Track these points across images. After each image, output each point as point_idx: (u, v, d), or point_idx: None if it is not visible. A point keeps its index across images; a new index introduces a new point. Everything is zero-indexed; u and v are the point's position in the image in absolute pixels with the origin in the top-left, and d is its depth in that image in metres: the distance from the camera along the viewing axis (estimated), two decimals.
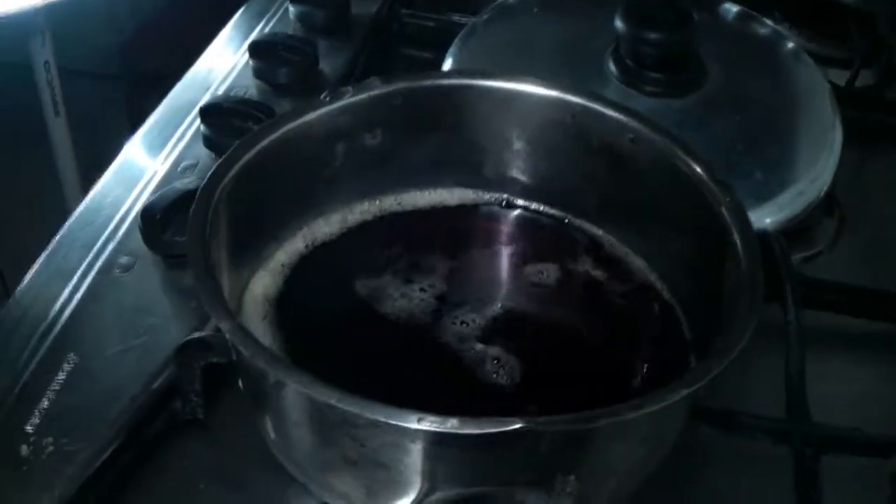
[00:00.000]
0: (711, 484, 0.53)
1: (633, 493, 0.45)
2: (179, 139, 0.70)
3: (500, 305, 0.54)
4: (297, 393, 0.39)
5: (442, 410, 0.45)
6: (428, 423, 0.37)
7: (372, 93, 0.52)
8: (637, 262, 0.54)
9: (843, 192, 0.71)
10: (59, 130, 1.17)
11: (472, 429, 0.37)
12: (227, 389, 0.53)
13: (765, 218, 0.62)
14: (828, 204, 0.69)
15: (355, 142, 0.53)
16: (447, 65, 0.67)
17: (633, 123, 0.51)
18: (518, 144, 0.55)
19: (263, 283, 0.51)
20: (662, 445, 0.43)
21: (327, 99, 0.51)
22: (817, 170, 0.65)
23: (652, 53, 0.65)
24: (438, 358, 0.51)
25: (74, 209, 0.66)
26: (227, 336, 0.40)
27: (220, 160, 0.48)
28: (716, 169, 0.48)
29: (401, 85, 0.52)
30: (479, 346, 0.51)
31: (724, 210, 0.47)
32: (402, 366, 0.51)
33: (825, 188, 0.65)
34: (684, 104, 0.66)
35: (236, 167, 0.48)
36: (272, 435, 0.45)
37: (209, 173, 0.47)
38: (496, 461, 0.40)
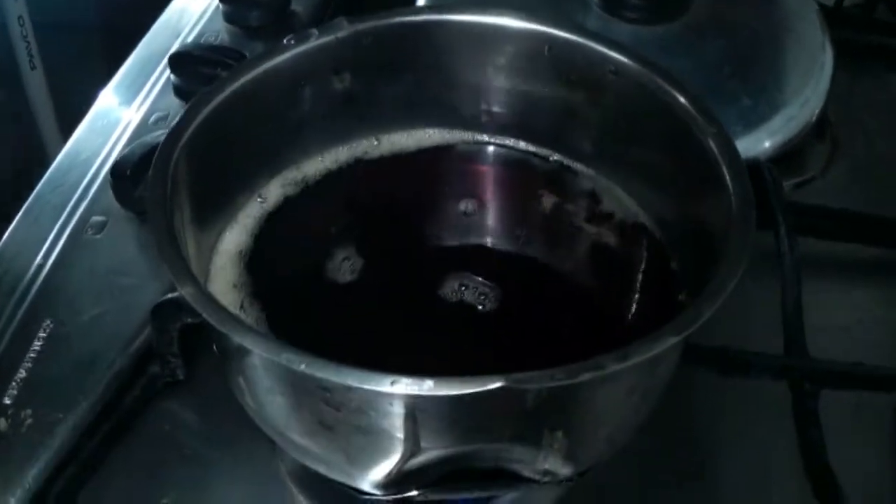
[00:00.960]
0: (707, 424, 0.52)
1: (626, 441, 0.44)
2: (150, 89, 0.68)
3: (483, 245, 0.52)
4: (265, 359, 0.38)
5: (429, 358, 0.45)
6: (402, 386, 0.35)
7: (339, 34, 0.49)
8: (623, 197, 0.51)
9: (834, 115, 0.69)
10: (35, 84, 1.14)
11: (449, 390, 0.35)
12: (205, 347, 0.51)
13: (755, 144, 0.60)
14: (819, 128, 0.67)
15: (324, 86, 0.50)
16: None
17: (613, 55, 0.48)
18: (495, 80, 0.52)
19: (234, 239, 0.49)
20: (653, 393, 0.42)
21: (292, 42, 0.49)
22: (807, 93, 0.63)
23: None
24: (422, 305, 0.49)
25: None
26: (191, 303, 0.38)
27: (180, 115, 0.45)
28: (701, 99, 0.46)
29: (369, 24, 0.50)
30: (465, 291, 0.49)
31: (711, 142, 0.45)
32: (385, 314, 0.49)
33: (816, 112, 0.63)
34: (668, 30, 0.64)
35: (197, 120, 0.45)
36: (247, 400, 0.43)
37: (168, 129, 0.45)
38: (479, 419, 0.38)
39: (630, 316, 0.48)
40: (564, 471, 0.42)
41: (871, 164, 0.69)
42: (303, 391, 0.38)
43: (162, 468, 0.51)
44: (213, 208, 0.48)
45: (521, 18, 0.50)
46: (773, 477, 0.50)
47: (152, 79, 0.69)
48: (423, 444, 0.39)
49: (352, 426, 0.39)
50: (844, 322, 0.59)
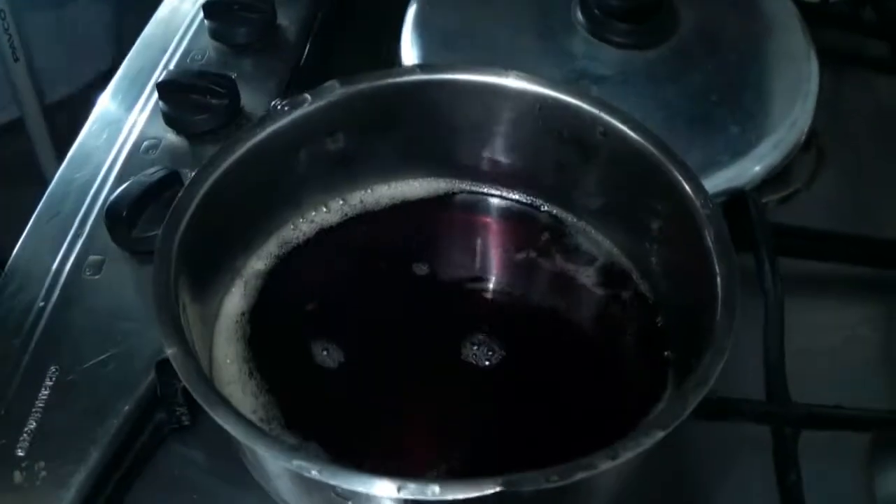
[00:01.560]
0: (690, 466, 0.54)
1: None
2: (139, 113, 0.68)
3: (478, 293, 0.53)
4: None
5: (429, 420, 0.48)
6: (408, 492, 0.37)
7: (331, 98, 0.50)
8: (613, 251, 0.53)
9: (819, 123, 0.69)
10: (20, 77, 1.14)
11: (453, 494, 0.37)
12: None
13: (744, 172, 0.61)
14: (805, 139, 0.67)
15: (318, 149, 0.51)
16: (406, 43, 0.65)
17: (603, 117, 0.49)
18: (487, 136, 0.53)
19: (235, 300, 0.51)
20: (638, 467, 0.44)
21: (286, 108, 0.49)
22: (795, 113, 0.64)
23: (620, 3, 0.63)
24: (422, 355, 0.51)
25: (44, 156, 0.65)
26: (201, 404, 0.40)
27: (183, 190, 0.46)
28: (690, 168, 0.47)
29: (361, 86, 0.51)
30: (464, 339, 0.51)
31: (699, 214, 0.46)
32: (384, 364, 0.51)
33: (805, 131, 0.64)
34: (655, 55, 0.64)
35: (198, 196, 0.46)
36: (253, 473, 0.45)
37: (170, 210, 0.45)
38: None
39: (620, 370, 0.51)
40: None
41: (858, 172, 0.70)
42: (313, 486, 0.40)
43: None
44: (212, 276, 0.50)
45: (512, 78, 0.51)
46: None
47: (140, 102, 0.68)
48: None
49: None
50: (830, 343, 0.60)
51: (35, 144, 1.16)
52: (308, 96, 0.50)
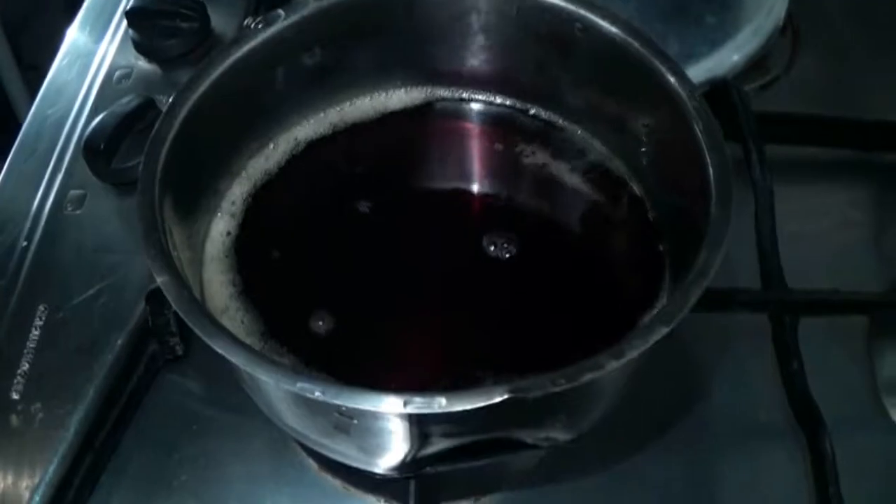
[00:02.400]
0: (691, 362, 0.54)
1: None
2: (109, 43, 0.67)
3: (471, 198, 0.53)
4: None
5: (421, 320, 0.48)
6: (415, 406, 0.37)
7: (305, 13, 0.49)
8: (600, 149, 0.52)
9: (793, 4, 0.68)
10: None
11: (460, 405, 0.37)
12: None
13: (724, 62, 0.60)
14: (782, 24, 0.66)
15: (295, 64, 0.50)
16: None
17: (581, 13, 0.48)
18: (465, 41, 0.52)
19: (222, 223, 0.50)
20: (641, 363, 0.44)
21: (260, 27, 0.48)
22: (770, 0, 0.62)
23: None
24: (413, 264, 0.51)
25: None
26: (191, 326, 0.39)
27: (161, 116, 0.45)
28: (672, 59, 0.46)
29: None
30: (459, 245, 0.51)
31: (687, 106, 0.45)
32: (377, 278, 0.50)
33: (782, 16, 0.63)
34: None
35: (178, 119, 0.45)
36: (256, 399, 0.44)
37: (150, 137, 0.44)
38: (485, 419, 0.40)
39: (616, 265, 0.50)
40: (565, 437, 0.44)
41: (836, 53, 0.69)
42: (317, 408, 0.40)
43: (176, 443, 0.52)
44: (197, 200, 0.49)
45: None
46: (759, 405, 0.53)
47: (109, 32, 0.67)
48: (432, 440, 0.41)
49: (366, 430, 0.40)
50: (820, 227, 0.61)
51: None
52: (281, 12, 0.49)
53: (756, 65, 0.65)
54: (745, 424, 0.53)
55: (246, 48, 0.48)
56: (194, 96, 0.46)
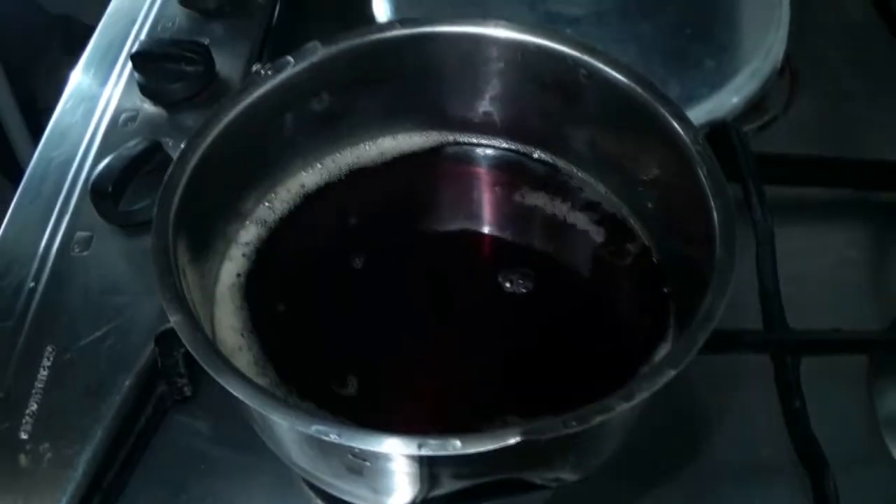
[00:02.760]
0: (694, 402, 0.55)
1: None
2: (114, 86, 0.67)
3: (476, 241, 0.54)
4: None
5: (433, 365, 0.48)
6: (430, 449, 0.37)
7: (314, 59, 0.50)
8: (604, 191, 0.53)
9: (792, 46, 0.69)
10: None
11: (474, 448, 0.37)
12: None
13: (723, 104, 0.61)
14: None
15: (303, 110, 0.51)
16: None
17: (585, 59, 0.49)
18: (471, 87, 0.53)
19: (232, 266, 0.51)
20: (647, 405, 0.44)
21: (269, 73, 0.49)
22: (769, 40, 0.64)
23: None
24: (417, 307, 0.51)
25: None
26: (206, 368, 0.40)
27: (173, 162, 0.46)
28: (674, 103, 0.47)
29: (343, 45, 0.50)
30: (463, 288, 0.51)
31: (690, 149, 0.46)
32: (385, 323, 0.51)
33: (780, 58, 0.64)
34: None
35: (189, 167, 0.46)
36: (265, 439, 0.45)
37: (164, 181, 0.45)
38: (497, 460, 0.40)
39: (621, 307, 0.51)
40: (573, 477, 0.45)
41: (834, 93, 0.71)
42: (330, 449, 0.40)
43: (184, 483, 0.53)
44: (207, 241, 0.49)
45: (492, 26, 0.50)
46: (762, 444, 0.53)
47: (114, 74, 0.68)
48: (443, 481, 0.41)
49: (379, 472, 0.41)
50: (820, 267, 0.61)
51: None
52: (290, 59, 0.49)
53: (754, 106, 0.65)
54: (747, 463, 0.54)
55: (255, 95, 0.49)
56: (205, 143, 0.47)
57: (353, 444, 0.37)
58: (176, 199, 0.45)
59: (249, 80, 0.49)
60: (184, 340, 0.40)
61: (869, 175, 0.64)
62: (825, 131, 0.68)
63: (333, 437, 0.37)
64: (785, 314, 0.53)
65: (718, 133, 0.60)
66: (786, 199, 0.62)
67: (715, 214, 0.44)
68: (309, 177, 0.54)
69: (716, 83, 0.61)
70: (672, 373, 0.39)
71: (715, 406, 0.55)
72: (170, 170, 0.45)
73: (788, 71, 0.69)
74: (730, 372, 0.55)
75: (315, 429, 0.37)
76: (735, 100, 0.62)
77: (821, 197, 0.64)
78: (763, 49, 0.63)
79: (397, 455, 0.38)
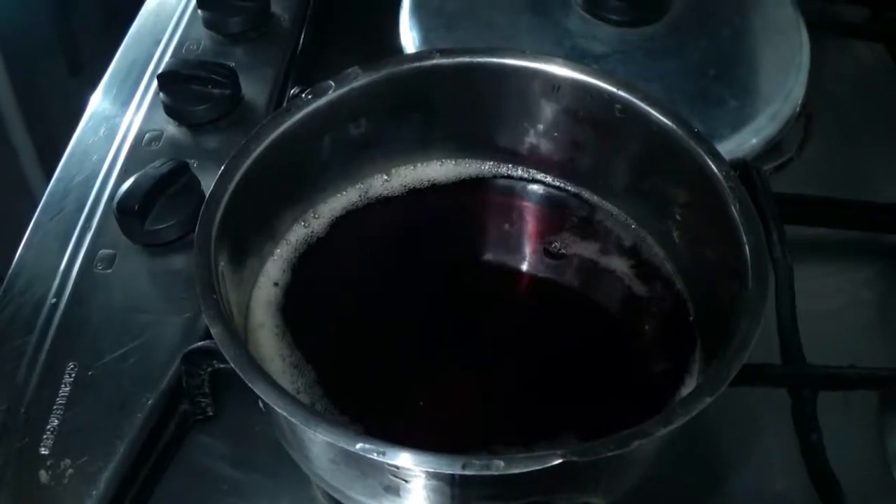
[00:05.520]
0: (713, 434, 0.55)
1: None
2: (139, 105, 0.68)
3: (505, 273, 0.54)
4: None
5: (465, 390, 0.48)
6: (474, 469, 0.37)
7: (354, 84, 0.51)
8: (636, 228, 0.54)
9: (807, 91, 0.71)
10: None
11: (517, 468, 0.38)
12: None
13: (743, 144, 0.62)
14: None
15: (341, 134, 0.52)
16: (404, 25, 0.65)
17: (621, 94, 0.50)
18: (508, 118, 0.54)
19: (267, 284, 0.51)
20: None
21: (310, 97, 0.50)
22: (789, 85, 0.65)
23: None
24: (451, 333, 0.52)
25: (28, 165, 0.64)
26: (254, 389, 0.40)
27: (216, 180, 0.46)
28: (712, 144, 0.48)
29: (383, 72, 0.51)
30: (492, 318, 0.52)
31: (725, 190, 0.47)
32: (417, 344, 0.51)
33: (799, 102, 0.65)
34: (651, 32, 0.65)
35: (231, 185, 0.47)
36: (299, 461, 0.45)
37: (206, 199, 0.46)
38: (534, 480, 0.41)
39: (648, 340, 0.52)
40: (601, 502, 0.45)
41: (847, 137, 0.72)
42: (370, 468, 0.41)
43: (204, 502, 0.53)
44: (243, 259, 0.50)
45: (527, 59, 0.52)
46: (779, 477, 0.54)
47: (138, 94, 0.68)
48: (478, 501, 0.42)
49: (416, 491, 0.41)
50: (834, 306, 0.62)
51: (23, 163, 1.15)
52: (332, 83, 0.50)
53: (771, 147, 0.67)
54: (763, 496, 0.54)
55: (296, 117, 0.49)
56: (247, 162, 0.47)
57: (397, 463, 0.38)
58: (219, 215, 0.45)
59: (291, 104, 0.50)
60: (227, 358, 0.41)
61: (880, 217, 0.65)
62: (837, 173, 0.69)
63: (377, 456, 0.38)
64: (802, 346, 0.54)
65: (740, 172, 0.61)
66: (800, 239, 0.63)
67: (747, 248, 0.45)
68: (344, 199, 0.55)
69: (737, 124, 0.63)
70: (708, 399, 0.40)
71: (733, 438, 0.55)
72: (212, 187, 0.46)
73: (803, 114, 0.71)
74: (746, 405, 0.55)
75: (360, 446, 0.38)
76: (755, 140, 0.63)
77: (834, 237, 0.65)
78: (783, 92, 0.65)
79: (441, 475, 0.38)
